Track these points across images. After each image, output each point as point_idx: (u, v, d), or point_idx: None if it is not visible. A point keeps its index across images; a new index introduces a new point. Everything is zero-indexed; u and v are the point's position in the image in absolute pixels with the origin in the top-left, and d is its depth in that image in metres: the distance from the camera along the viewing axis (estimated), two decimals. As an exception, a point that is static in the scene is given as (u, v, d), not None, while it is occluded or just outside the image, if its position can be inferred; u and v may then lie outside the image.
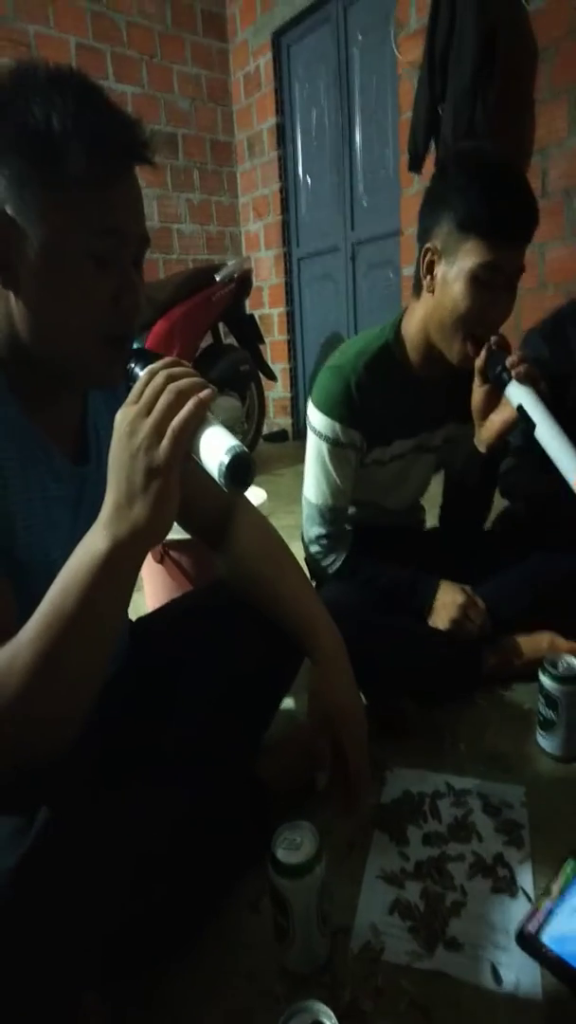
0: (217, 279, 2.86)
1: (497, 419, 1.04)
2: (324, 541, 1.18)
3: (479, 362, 1.01)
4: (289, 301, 4.11)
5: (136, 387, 0.57)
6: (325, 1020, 0.57)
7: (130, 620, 0.96)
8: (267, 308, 4.19)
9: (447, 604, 1.12)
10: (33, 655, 0.54)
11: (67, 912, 0.58)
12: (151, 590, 1.47)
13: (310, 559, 1.21)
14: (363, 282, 3.58)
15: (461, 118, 2.51)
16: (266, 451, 3.32)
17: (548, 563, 1.18)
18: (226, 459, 0.54)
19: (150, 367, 0.58)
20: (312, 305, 4.01)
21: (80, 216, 0.60)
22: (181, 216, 4.02)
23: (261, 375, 3.22)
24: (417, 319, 1.09)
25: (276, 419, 4.21)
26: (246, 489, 0.58)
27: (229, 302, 2.92)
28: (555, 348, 1.46)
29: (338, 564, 1.17)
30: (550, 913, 0.71)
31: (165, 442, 0.54)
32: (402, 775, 0.97)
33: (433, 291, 1.04)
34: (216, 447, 0.55)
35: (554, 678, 0.94)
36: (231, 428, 3.46)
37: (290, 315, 4.13)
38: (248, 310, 3.30)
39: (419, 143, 2.70)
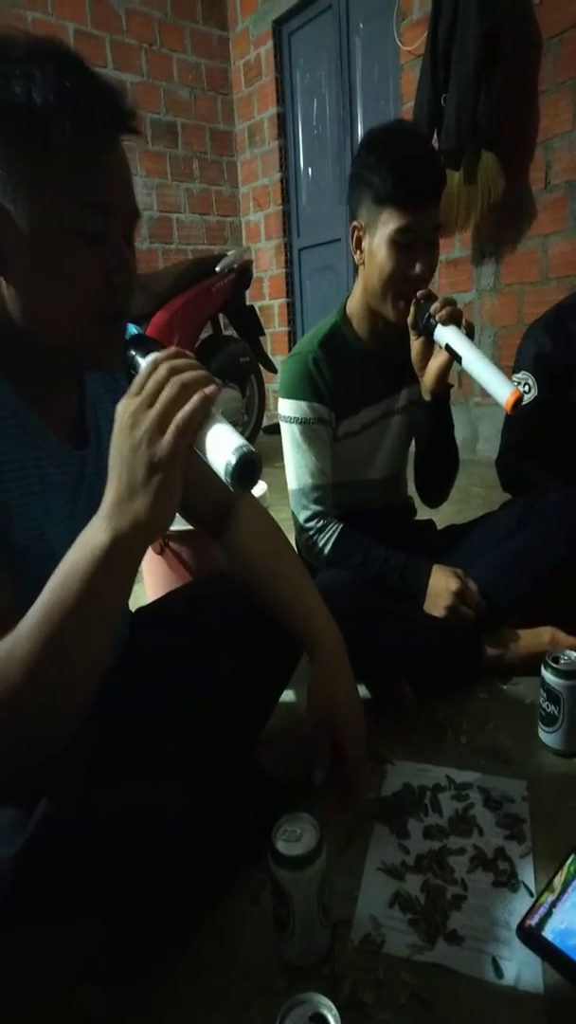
0: (217, 270, 2.85)
1: (434, 364, 1.12)
2: (314, 522, 1.19)
3: (410, 316, 1.09)
4: (290, 292, 4.10)
5: (139, 378, 0.56)
6: (325, 1012, 0.56)
7: (130, 611, 0.95)
8: (268, 299, 4.18)
9: (441, 591, 1.12)
10: (33, 646, 0.53)
11: (66, 901, 0.58)
12: (151, 581, 1.47)
13: (304, 546, 1.21)
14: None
15: (464, 109, 2.50)
16: (266, 443, 3.31)
17: (542, 543, 1.17)
18: (233, 459, 0.53)
19: (153, 357, 0.57)
20: (313, 296, 3.99)
21: (67, 192, 0.58)
22: (181, 206, 3.99)
23: (261, 367, 3.21)
24: (357, 293, 1.20)
25: (276, 411, 4.19)
26: (252, 488, 0.58)
27: (229, 293, 2.90)
28: (557, 341, 1.46)
29: (332, 543, 1.17)
30: (552, 907, 0.71)
31: (168, 436, 0.53)
32: (403, 768, 0.96)
33: (364, 263, 1.14)
34: (222, 446, 0.54)
35: (557, 673, 0.94)
36: (231, 420, 3.46)
37: (291, 306, 4.11)
38: (248, 301, 3.29)
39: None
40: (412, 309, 1.09)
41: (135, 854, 0.63)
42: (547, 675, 0.95)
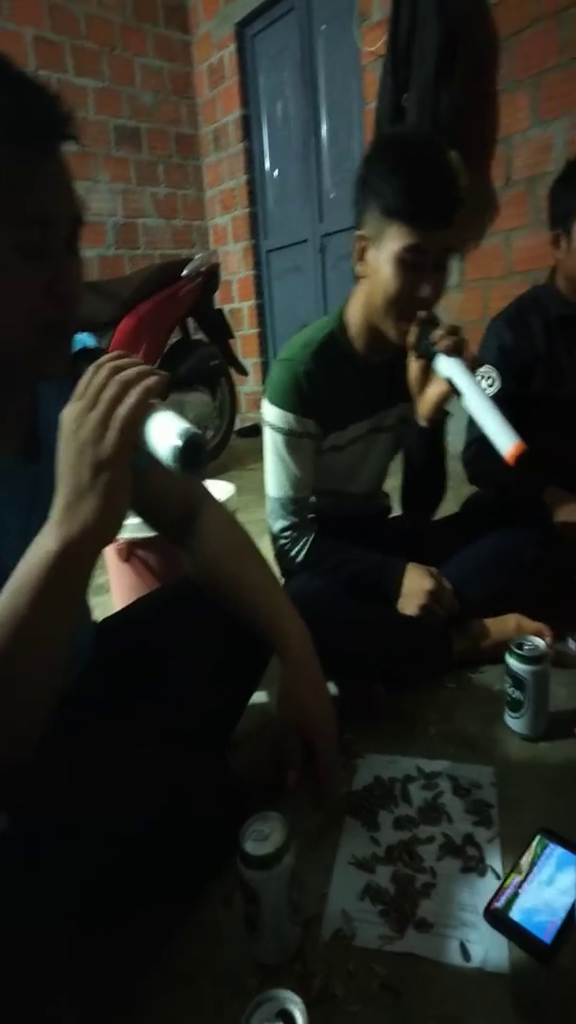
0: (184, 274, 2.83)
1: (432, 392, 1.07)
2: (289, 532, 1.18)
3: (411, 338, 1.04)
4: (259, 294, 4.10)
5: (81, 382, 0.56)
6: (292, 1007, 0.56)
7: (94, 620, 0.94)
8: (237, 302, 4.17)
9: (415, 590, 1.12)
10: None
11: (35, 909, 0.57)
12: (118, 589, 1.46)
13: (278, 553, 1.21)
14: (333, 274, 3.57)
15: (425, 108, 2.52)
16: (239, 446, 3.30)
17: (514, 542, 1.19)
18: (177, 442, 0.53)
19: (96, 362, 0.57)
20: (282, 298, 4.00)
21: (1, 208, 0.56)
22: (147, 211, 3.97)
23: (232, 370, 3.20)
24: (357, 305, 1.13)
25: (248, 414, 4.18)
26: (199, 472, 0.57)
27: (197, 297, 2.89)
28: (518, 335, 1.47)
29: (306, 552, 1.17)
30: (518, 888, 0.71)
31: (111, 434, 0.53)
32: (373, 761, 0.97)
33: (367, 276, 1.07)
34: (166, 432, 0.54)
35: (520, 659, 0.95)
36: (203, 425, 3.40)
37: (260, 308, 4.11)
38: (217, 304, 3.28)
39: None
40: (414, 330, 1.03)
41: (108, 860, 0.63)
42: (511, 661, 0.96)
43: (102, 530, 0.55)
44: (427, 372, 1.06)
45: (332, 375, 1.13)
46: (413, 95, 2.55)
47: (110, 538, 0.58)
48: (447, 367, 0.99)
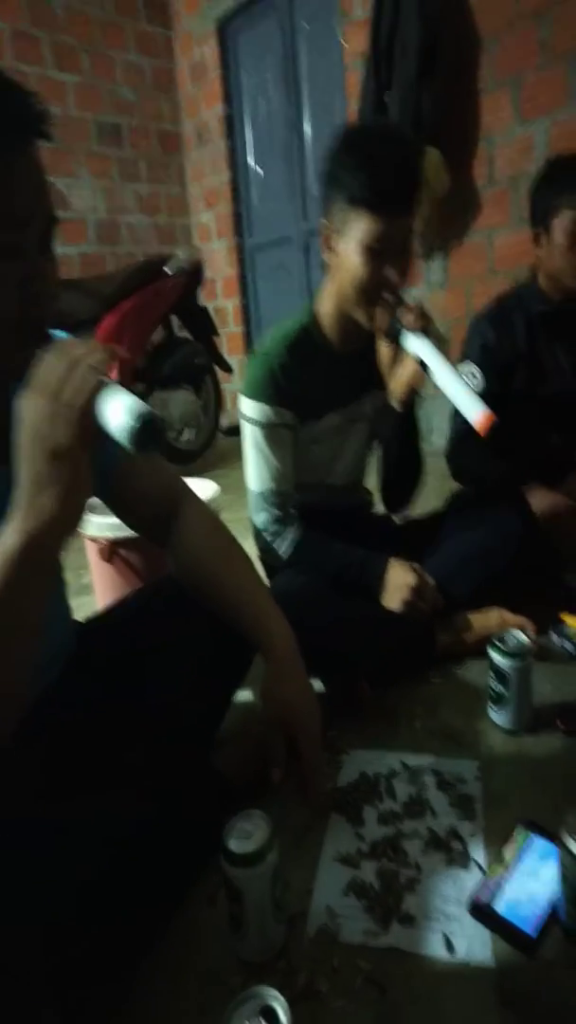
0: (167, 271, 2.82)
1: (403, 373, 1.11)
2: (273, 526, 1.18)
3: (380, 322, 1.08)
4: (243, 292, 4.08)
5: (33, 371, 0.55)
6: (274, 1004, 0.56)
7: (78, 621, 0.93)
8: (221, 300, 4.15)
9: (398, 586, 1.13)
10: None
11: (17, 912, 0.56)
12: (101, 590, 1.44)
13: (263, 549, 1.21)
14: (317, 272, 3.57)
15: (407, 106, 2.53)
16: (224, 445, 3.29)
17: (496, 536, 1.19)
18: (131, 421, 0.53)
19: (45, 350, 0.56)
20: (267, 296, 3.99)
21: None
22: (129, 207, 3.94)
23: (217, 368, 3.19)
24: (327, 296, 1.16)
25: (233, 411, 4.18)
26: (155, 452, 0.57)
27: (180, 294, 2.87)
28: (501, 333, 1.48)
29: (290, 545, 1.17)
30: (501, 881, 0.72)
31: (62, 421, 0.52)
32: (358, 757, 0.97)
33: (335, 265, 1.10)
34: (119, 413, 0.54)
35: (503, 653, 0.95)
36: (188, 423, 3.37)
37: (245, 306, 4.09)
38: (202, 302, 3.26)
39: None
40: (383, 314, 1.07)
41: (93, 861, 0.62)
42: (494, 655, 0.97)
43: (63, 520, 0.55)
44: (398, 354, 1.10)
45: (307, 366, 1.15)
46: (395, 94, 2.56)
47: (72, 527, 0.57)
48: (415, 345, 1.04)
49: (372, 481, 1.39)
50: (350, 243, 1.05)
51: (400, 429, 1.19)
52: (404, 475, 1.27)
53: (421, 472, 1.27)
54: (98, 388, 0.53)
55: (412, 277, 2.94)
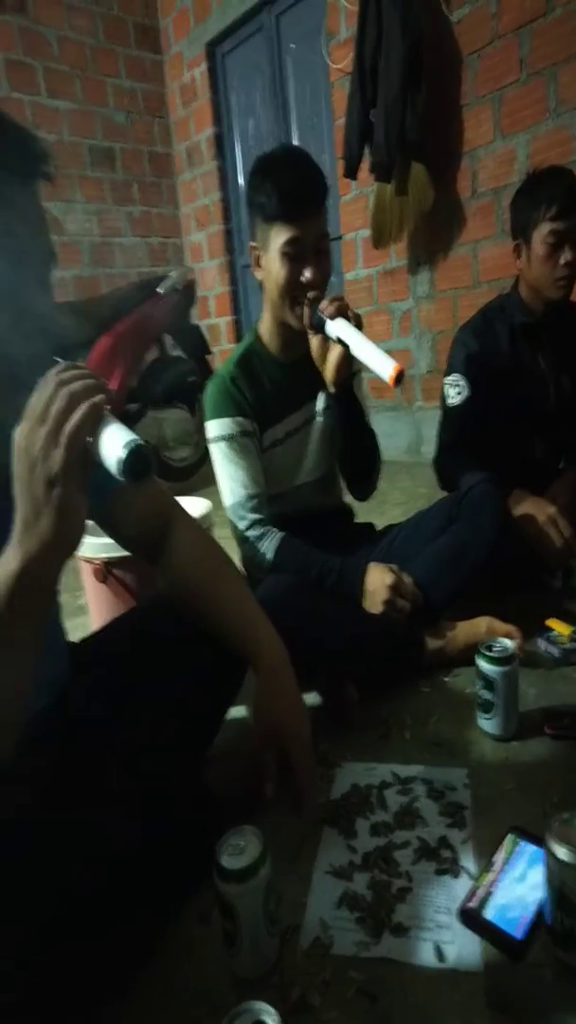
0: (160, 291, 2.85)
1: (331, 357, 1.18)
2: (254, 530, 1.21)
3: (305, 318, 1.17)
4: (236, 310, 4.13)
5: (31, 399, 0.56)
6: (267, 1019, 0.56)
7: (72, 643, 0.94)
8: (214, 317, 4.20)
9: (377, 587, 1.15)
10: None
11: (8, 927, 0.56)
12: (96, 610, 1.45)
13: (247, 556, 1.23)
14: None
15: (392, 123, 2.57)
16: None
17: (473, 536, 1.22)
18: (123, 453, 0.55)
19: (43, 378, 0.58)
20: (259, 313, 4.02)
21: None
22: (122, 230, 4.00)
23: (210, 385, 3.21)
24: (264, 312, 1.28)
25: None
26: (146, 482, 0.59)
27: (173, 314, 2.90)
28: (485, 343, 1.50)
29: (274, 549, 1.19)
30: (490, 887, 0.73)
31: (60, 449, 0.53)
32: (350, 769, 0.97)
33: (263, 279, 1.21)
34: (113, 443, 0.55)
35: (490, 660, 0.96)
36: (180, 441, 3.36)
37: (237, 324, 4.14)
38: (195, 320, 3.30)
39: (353, 149, 2.76)
40: (306, 311, 1.16)
41: (80, 879, 0.62)
42: (482, 663, 0.97)
43: (60, 544, 0.56)
44: (325, 344, 1.18)
45: (257, 377, 1.27)
46: (380, 111, 2.61)
47: (70, 551, 0.59)
48: (333, 328, 1.13)
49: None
50: (271, 254, 1.16)
51: (342, 411, 1.25)
52: (357, 455, 1.33)
53: (375, 453, 1.34)
54: (92, 416, 0.55)
55: (400, 291, 2.98)
